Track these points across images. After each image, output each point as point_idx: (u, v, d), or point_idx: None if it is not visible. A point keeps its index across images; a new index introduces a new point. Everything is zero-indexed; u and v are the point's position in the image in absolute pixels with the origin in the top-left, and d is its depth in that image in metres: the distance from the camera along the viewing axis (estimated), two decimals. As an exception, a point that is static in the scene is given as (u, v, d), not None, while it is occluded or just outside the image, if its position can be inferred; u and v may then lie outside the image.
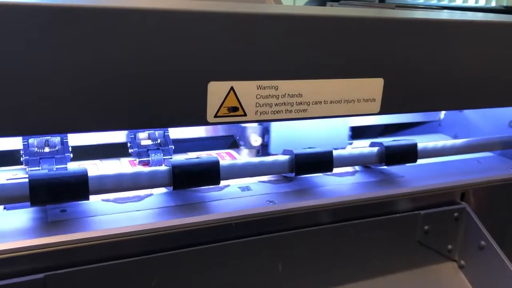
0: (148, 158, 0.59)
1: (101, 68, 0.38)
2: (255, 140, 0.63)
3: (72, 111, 0.39)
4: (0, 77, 0.36)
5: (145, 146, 0.62)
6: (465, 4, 2.17)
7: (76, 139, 0.60)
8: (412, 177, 0.61)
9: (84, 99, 0.39)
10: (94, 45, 0.37)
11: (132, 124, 0.41)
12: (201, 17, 0.40)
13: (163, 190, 0.52)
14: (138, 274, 0.46)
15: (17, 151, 0.59)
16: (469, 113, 0.78)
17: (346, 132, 0.68)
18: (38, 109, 0.38)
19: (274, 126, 0.63)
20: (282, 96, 0.45)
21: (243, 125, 0.64)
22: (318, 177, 0.58)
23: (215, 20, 0.40)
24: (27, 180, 0.43)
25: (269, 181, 0.57)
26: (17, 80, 0.36)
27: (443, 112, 0.82)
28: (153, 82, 0.40)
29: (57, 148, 0.58)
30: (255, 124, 0.63)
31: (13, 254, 0.41)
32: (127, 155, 0.62)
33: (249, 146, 0.64)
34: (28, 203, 0.44)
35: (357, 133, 0.74)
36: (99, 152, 0.63)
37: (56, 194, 0.43)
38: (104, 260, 0.44)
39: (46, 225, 0.44)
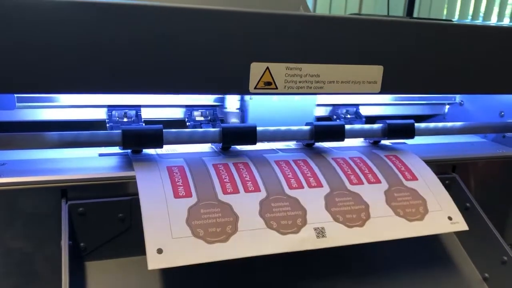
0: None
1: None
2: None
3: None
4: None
5: (199, 121, 0.79)
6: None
7: (146, 114, 0.78)
8: (412, 151, 0.75)
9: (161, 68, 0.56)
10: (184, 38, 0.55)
11: (199, 89, 0.58)
12: (250, 17, 0.57)
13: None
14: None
15: (99, 121, 0.77)
16: (468, 107, 0.92)
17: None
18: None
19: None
20: (305, 76, 0.61)
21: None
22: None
23: (260, 18, 0.57)
24: (120, 131, 0.60)
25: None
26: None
27: (447, 106, 0.96)
28: (218, 60, 0.57)
29: (133, 119, 0.76)
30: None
31: (109, 181, 0.58)
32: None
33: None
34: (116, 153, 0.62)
35: (369, 123, 0.88)
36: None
37: (140, 141, 0.60)
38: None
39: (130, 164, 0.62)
